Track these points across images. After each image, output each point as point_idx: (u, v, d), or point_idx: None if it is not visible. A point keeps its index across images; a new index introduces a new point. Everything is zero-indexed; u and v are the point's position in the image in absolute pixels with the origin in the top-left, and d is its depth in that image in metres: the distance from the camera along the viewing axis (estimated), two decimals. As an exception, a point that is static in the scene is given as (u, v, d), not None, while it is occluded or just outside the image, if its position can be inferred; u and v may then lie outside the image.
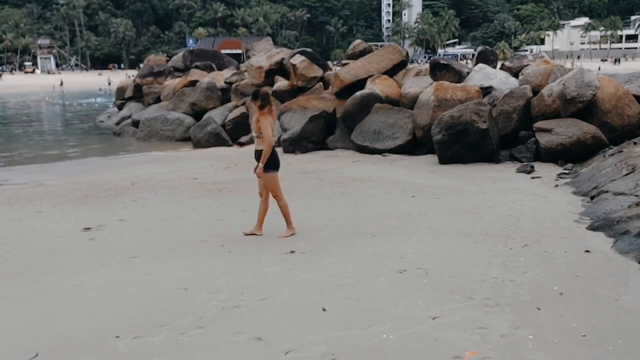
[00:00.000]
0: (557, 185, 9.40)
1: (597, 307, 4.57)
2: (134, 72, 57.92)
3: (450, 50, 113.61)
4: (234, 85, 19.33)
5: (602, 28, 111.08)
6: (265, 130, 6.51)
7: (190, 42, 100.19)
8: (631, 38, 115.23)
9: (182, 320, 4.50)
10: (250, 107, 17.51)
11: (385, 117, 13.49)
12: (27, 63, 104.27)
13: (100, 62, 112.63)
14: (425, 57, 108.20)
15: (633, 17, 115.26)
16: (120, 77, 47.93)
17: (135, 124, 20.88)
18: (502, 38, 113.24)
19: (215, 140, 16.71)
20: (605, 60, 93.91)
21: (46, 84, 68.37)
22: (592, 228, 6.78)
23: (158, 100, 22.18)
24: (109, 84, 62.17)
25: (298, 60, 16.69)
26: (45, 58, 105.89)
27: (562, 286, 5.00)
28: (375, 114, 13.57)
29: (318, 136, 14.25)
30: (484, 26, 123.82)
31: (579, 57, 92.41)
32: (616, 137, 11.35)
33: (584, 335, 4.09)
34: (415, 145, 13.06)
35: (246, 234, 6.90)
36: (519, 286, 5.03)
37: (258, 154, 6.69)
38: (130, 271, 5.75)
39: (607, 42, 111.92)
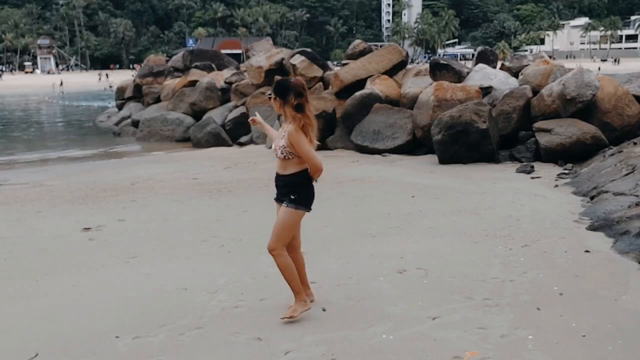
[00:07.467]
0: (557, 186, 9.39)
1: (597, 307, 4.57)
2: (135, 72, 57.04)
3: (450, 50, 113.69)
4: (233, 85, 19.32)
5: (602, 28, 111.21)
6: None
7: (190, 42, 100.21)
8: (631, 38, 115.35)
9: (182, 320, 4.50)
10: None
11: (385, 117, 13.49)
12: (27, 63, 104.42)
13: (100, 62, 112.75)
14: (425, 57, 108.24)
15: (633, 17, 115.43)
16: (122, 77, 47.49)
17: (135, 124, 20.87)
18: (502, 38, 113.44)
19: (215, 140, 16.70)
20: (605, 60, 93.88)
21: (46, 84, 68.35)
22: (592, 228, 6.77)
23: (158, 100, 22.16)
24: (110, 86, 61.02)
25: (298, 60, 16.68)
26: (45, 58, 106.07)
27: (562, 286, 5.00)
28: (375, 114, 13.57)
29: (318, 136, 14.22)
30: (483, 26, 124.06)
31: (566, 57, 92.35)
32: (616, 137, 11.35)
33: (584, 335, 4.09)
34: (415, 145, 13.06)
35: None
36: (519, 286, 5.03)
37: None
38: (130, 271, 5.75)
39: (607, 42, 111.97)
